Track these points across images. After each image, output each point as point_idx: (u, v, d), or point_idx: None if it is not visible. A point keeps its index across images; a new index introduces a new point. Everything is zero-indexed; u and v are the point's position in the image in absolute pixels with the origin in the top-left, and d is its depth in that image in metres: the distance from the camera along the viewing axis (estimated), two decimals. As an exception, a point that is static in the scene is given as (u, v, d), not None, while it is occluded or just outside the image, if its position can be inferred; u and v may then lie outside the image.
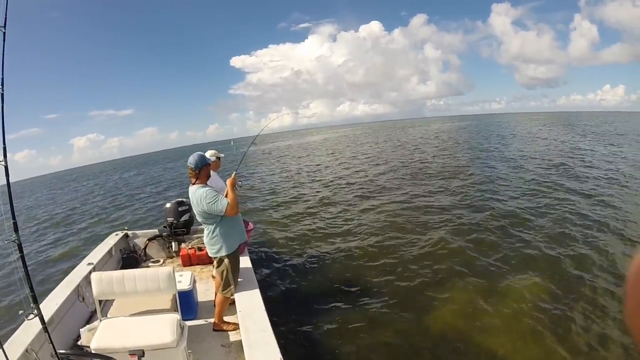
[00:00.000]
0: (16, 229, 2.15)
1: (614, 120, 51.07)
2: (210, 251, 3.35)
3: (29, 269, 2.24)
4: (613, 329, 3.73)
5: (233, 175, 3.33)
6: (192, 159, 3.22)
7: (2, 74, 2.13)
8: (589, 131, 30.28)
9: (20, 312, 2.35)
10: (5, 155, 2.11)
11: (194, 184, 3.25)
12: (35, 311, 2.23)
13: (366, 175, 14.62)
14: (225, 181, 3.45)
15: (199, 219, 3.34)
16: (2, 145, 2.14)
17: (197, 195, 3.14)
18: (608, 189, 9.49)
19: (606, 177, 10.96)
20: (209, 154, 4.23)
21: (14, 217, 2.16)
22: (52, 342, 2.25)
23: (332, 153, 28.53)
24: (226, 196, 3.20)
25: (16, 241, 2.14)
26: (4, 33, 2.13)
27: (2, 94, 2.15)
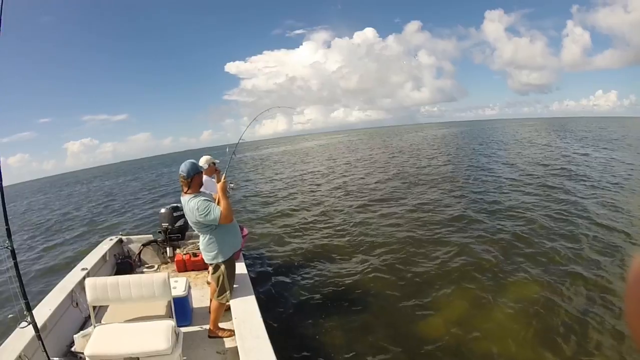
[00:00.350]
0: (9, 235, 2.14)
1: (608, 125, 51.72)
2: (206, 257, 3.31)
3: (22, 275, 2.23)
4: (617, 331, 3.75)
5: (223, 179, 3.26)
6: (183, 167, 3.12)
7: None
8: (585, 136, 30.63)
9: (11, 315, 2.32)
10: (-2, 160, 2.10)
11: (185, 192, 3.16)
12: (29, 317, 2.21)
13: (366, 183, 14.52)
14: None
15: (193, 227, 3.27)
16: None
17: (190, 206, 3.07)
18: (610, 192, 9.62)
19: (608, 181, 11.11)
20: (203, 160, 4.18)
21: (7, 223, 2.14)
22: (45, 349, 2.23)
23: (328, 159, 28.47)
24: (218, 203, 3.14)
25: (9, 247, 2.13)
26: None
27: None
